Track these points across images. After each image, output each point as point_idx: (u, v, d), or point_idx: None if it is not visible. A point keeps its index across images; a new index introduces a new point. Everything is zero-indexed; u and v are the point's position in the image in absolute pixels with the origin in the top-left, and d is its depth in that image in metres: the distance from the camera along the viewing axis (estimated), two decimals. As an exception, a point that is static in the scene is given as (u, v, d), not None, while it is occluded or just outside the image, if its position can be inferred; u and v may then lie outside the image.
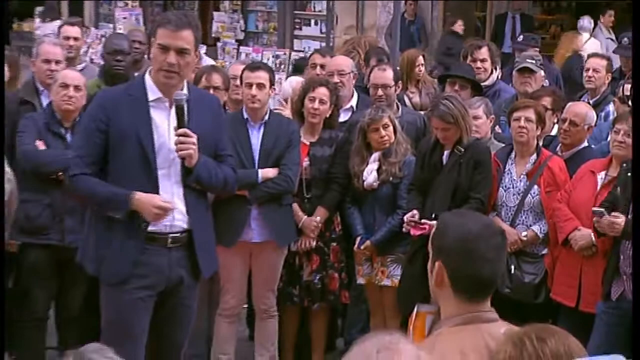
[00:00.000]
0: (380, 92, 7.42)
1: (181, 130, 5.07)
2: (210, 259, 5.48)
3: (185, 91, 5.18)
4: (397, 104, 7.62)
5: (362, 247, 6.94)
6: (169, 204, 5.11)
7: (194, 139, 5.08)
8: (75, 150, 5.33)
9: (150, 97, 5.11)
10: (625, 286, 5.96)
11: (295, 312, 7.27)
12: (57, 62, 7.35)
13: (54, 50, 7.50)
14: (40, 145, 6.62)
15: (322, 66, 8.17)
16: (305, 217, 6.96)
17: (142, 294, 5.16)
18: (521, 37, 10.51)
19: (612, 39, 14.39)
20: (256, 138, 6.78)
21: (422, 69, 9.13)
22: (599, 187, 6.36)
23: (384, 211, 6.95)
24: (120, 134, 5.09)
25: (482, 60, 8.38)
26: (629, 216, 5.91)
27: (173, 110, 5.14)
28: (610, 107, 7.95)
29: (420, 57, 9.28)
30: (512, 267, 6.38)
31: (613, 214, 5.93)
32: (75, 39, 8.50)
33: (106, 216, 5.18)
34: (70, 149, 6.60)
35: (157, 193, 5.12)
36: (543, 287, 6.51)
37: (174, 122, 5.16)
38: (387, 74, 7.54)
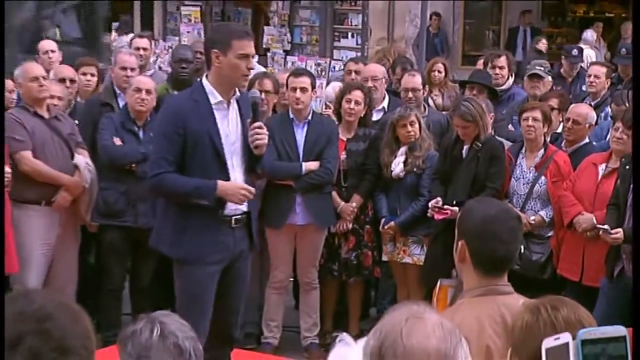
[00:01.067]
0: (410, 94, 7.42)
1: (258, 124, 5.10)
2: (257, 234, 5.52)
3: (238, 94, 5.21)
4: (424, 105, 7.62)
5: (386, 227, 6.93)
6: (251, 189, 5.17)
7: (265, 130, 5.12)
8: (157, 153, 5.28)
9: (212, 100, 5.10)
10: (624, 264, 5.96)
11: (334, 285, 7.27)
12: (132, 69, 7.42)
13: (130, 59, 7.58)
14: (117, 141, 6.69)
15: (357, 72, 8.16)
16: (343, 203, 6.96)
17: (213, 269, 5.16)
18: (575, 51, 10.46)
19: (596, 47, 14.30)
20: (300, 135, 6.81)
21: (437, 74, 9.04)
22: (599, 177, 6.34)
23: (408, 198, 6.94)
24: (195, 135, 5.08)
25: (501, 67, 8.34)
26: (628, 205, 5.90)
27: (230, 110, 5.16)
28: (609, 109, 7.90)
29: (439, 64, 9.20)
30: (522, 247, 6.35)
31: (613, 231, 5.90)
32: (144, 49, 8.55)
33: (181, 206, 5.18)
34: (142, 145, 6.69)
35: (229, 180, 5.14)
36: (549, 264, 6.51)
37: (232, 119, 5.18)
38: (416, 79, 7.55)
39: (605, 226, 5.95)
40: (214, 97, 5.10)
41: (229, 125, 5.17)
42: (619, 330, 1.92)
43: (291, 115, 6.83)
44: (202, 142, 5.11)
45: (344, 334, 2.73)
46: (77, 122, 6.83)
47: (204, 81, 5.17)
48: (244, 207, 5.21)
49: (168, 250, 5.32)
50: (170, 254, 5.30)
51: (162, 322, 2.95)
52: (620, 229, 5.88)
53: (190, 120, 5.08)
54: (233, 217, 5.15)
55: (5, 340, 1.89)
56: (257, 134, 5.10)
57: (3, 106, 5.14)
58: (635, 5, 4.98)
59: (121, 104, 7.07)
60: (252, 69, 5.15)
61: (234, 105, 5.18)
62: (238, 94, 5.20)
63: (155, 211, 6.49)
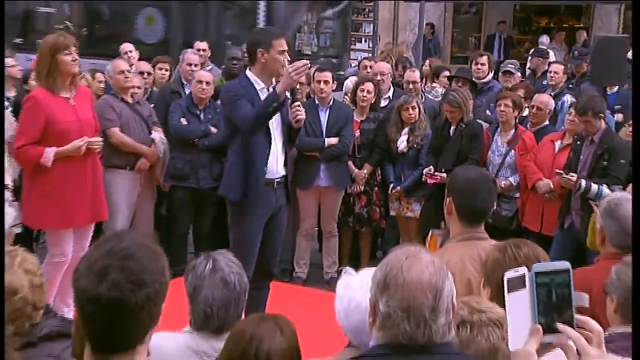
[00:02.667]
0: (411, 86, 7.40)
1: (297, 103, 5.02)
2: (291, 193, 5.45)
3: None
4: (421, 94, 7.57)
5: (393, 192, 6.94)
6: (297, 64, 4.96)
7: (302, 108, 5.06)
8: (239, 111, 4.99)
9: (257, 87, 5.01)
10: (573, 218, 5.94)
11: (349, 233, 7.29)
12: (196, 65, 7.43)
13: (194, 57, 7.58)
14: (183, 121, 6.72)
15: (370, 67, 8.11)
16: (357, 170, 6.96)
17: (260, 220, 5.12)
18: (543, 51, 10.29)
19: (557, 49, 14.17)
20: (324, 117, 6.78)
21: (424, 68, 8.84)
22: (556, 151, 6.31)
23: (410, 167, 6.93)
24: None
25: (482, 64, 8.25)
26: (578, 171, 5.87)
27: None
28: (565, 98, 7.84)
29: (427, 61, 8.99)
30: (495, 204, 6.33)
31: (570, 174, 5.86)
32: (204, 50, 8.52)
33: (241, 168, 5.08)
34: (202, 124, 6.70)
35: (271, 148, 5.01)
36: (515, 218, 6.49)
37: None
38: (416, 74, 7.53)
39: (562, 172, 5.92)
40: (258, 84, 5.02)
41: None
42: (565, 264, 1.91)
43: (316, 102, 6.82)
44: None
45: (348, 267, 2.75)
46: (152, 105, 6.86)
47: (248, 73, 5.08)
48: (282, 172, 5.15)
49: (233, 196, 5.16)
50: (234, 198, 5.15)
51: (215, 260, 2.97)
52: (572, 173, 5.85)
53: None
54: (275, 180, 5.11)
55: (93, 272, 1.90)
56: (297, 111, 5.00)
57: (3, 106, 4.89)
58: (635, 6, 4.43)
59: (187, 91, 7.08)
60: (289, 60, 5.07)
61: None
62: (275, 83, 5.16)
63: (212, 176, 6.54)
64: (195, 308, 2.89)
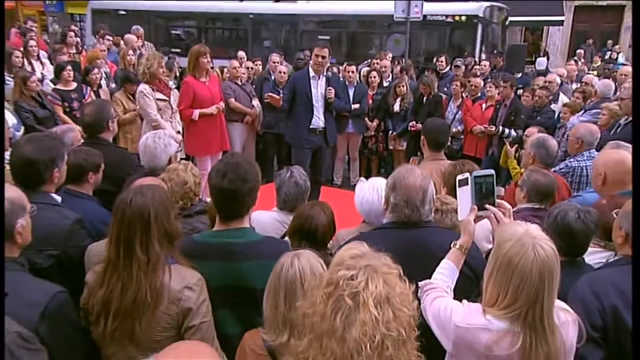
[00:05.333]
0: (400, 74, 7.13)
1: (330, 88, 5.04)
2: (331, 137, 5.38)
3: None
4: (407, 77, 7.28)
5: (391, 135, 6.75)
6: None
7: (334, 90, 5.03)
8: (285, 96, 5.16)
9: (310, 75, 4.97)
10: (494, 149, 5.82)
11: (365, 160, 7.15)
12: (277, 62, 7.22)
13: (276, 58, 7.36)
14: (270, 94, 6.59)
15: (377, 63, 7.79)
16: (369, 122, 6.77)
17: (308, 151, 5.13)
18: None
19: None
20: (351, 91, 6.50)
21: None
22: (483, 109, 6.11)
23: (400, 121, 6.70)
24: (299, 91, 4.97)
25: (442, 61, 7.95)
26: (497, 122, 5.68)
27: (320, 80, 5.00)
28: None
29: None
30: (449, 142, 6.18)
31: (491, 125, 5.73)
32: (281, 54, 8.27)
33: (296, 123, 5.06)
34: (281, 97, 6.57)
35: (313, 114, 5.03)
36: (460, 150, 6.27)
37: (320, 85, 5.03)
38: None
39: (487, 126, 5.82)
40: (311, 73, 4.98)
41: (317, 87, 5.04)
42: (491, 171, 1.91)
43: (346, 83, 6.59)
44: (301, 94, 5.01)
45: (363, 178, 2.73)
46: (253, 86, 6.75)
47: (310, 66, 5.03)
48: (322, 125, 5.13)
49: (292, 142, 5.25)
50: (293, 143, 5.25)
51: (292, 171, 2.95)
52: (494, 126, 5.74)
53: (298, 85, 4.96)
54: (317, 129, 5.11)
55: (219, 175, 1.91)
56: (330, 92, 5.02)
57: (3, 106, 3.47)
58: (635, 7, 3.46)
59: (272, 77, 6.91)
60: (325, 59, 4.96)
61: (323, 79, 5.03)
62: (329, 74, 5.08)
63: (287, 126, 6.46)
64: (279, 197, 2.89)
